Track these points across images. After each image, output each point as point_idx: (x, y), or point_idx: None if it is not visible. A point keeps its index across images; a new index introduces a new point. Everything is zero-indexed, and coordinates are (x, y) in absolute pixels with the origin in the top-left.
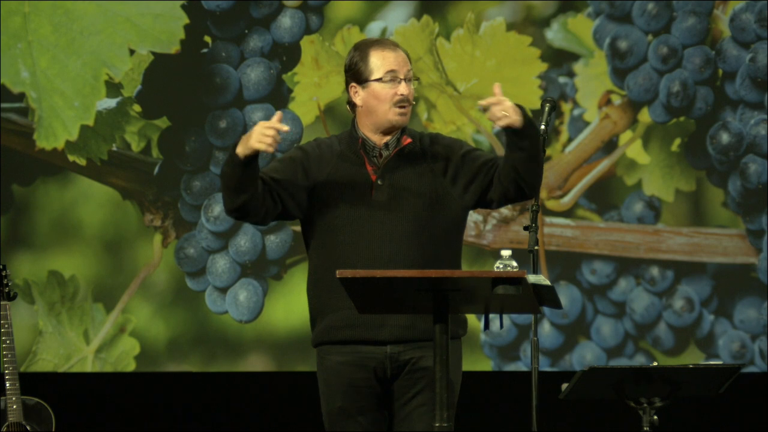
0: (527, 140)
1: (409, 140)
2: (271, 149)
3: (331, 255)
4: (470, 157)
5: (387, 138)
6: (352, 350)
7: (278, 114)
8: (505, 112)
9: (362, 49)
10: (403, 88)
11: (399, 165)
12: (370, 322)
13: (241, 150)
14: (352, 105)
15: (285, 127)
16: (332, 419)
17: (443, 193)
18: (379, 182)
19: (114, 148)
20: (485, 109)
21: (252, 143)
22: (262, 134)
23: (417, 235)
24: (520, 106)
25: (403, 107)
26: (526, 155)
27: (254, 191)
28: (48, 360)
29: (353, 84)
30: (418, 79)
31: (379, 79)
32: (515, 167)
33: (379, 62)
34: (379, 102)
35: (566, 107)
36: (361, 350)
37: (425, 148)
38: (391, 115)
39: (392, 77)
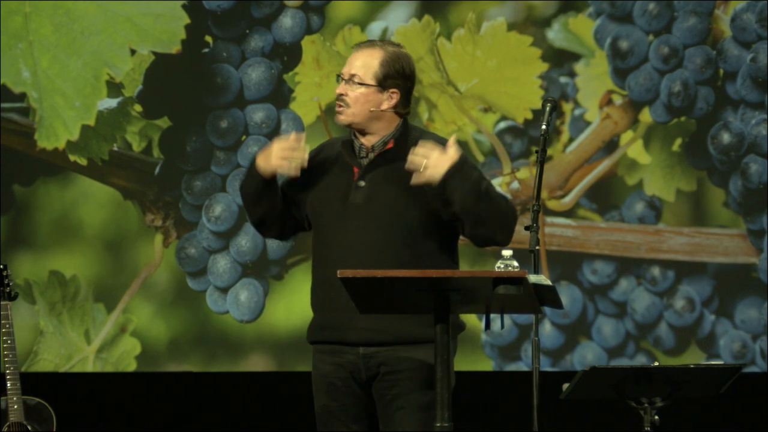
0: (456, 194)
1: (391, 144)
2: (293, 172)
3: (316, 255)
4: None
5: (374, 140)
6: (332, 350)
7: (293, 135)
8: (426, 163)
9: None
10: (339, 88)
11: (380, 168)
12: (341, 325)
13: (261, 166)
14: None
15: (306, 147)
16: (319, 418)
17: (422, 200)
18: (359, 184)
19: (115, 148)
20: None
21: (273, 163)
22: (280, 155)
23: (390, 238)
24: (461, 156)
25: (339, 106)
26: (471, 222)
27: (273, 205)
28: (49, 360)
29: None
30: (364, 84)
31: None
32: (467, 224)
33: None
34: None
35: (567, 107)
36: (337, 350)
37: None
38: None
39: (339, 78)
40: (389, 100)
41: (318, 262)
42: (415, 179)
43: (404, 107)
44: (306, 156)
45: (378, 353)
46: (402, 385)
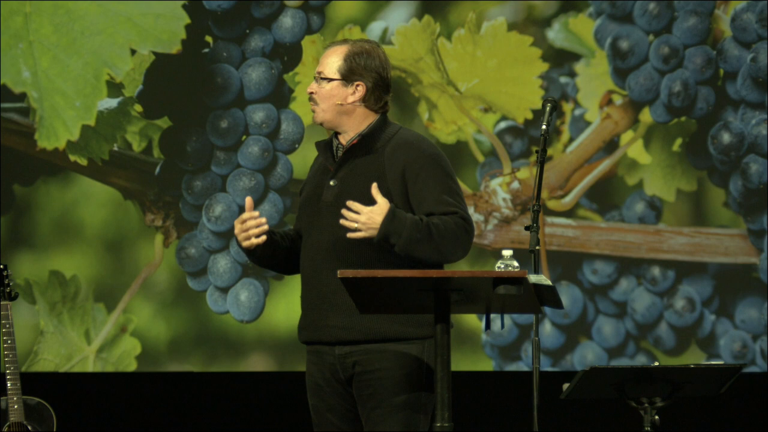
0: (398, 249)
1: (354, 141)
2: (259, 241)
3: (302, 256)
4: (417, 188)
5: (348, 137)
6: (314, 350)
7: (248, 200)
8: (358, 225)
9: None
10: (309, 87)
11: (347, 165)
12: (314, 324)
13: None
14: None
15: (256, 213)
16: (312, 418)
17: (388, 196)
18: (331, 183)
19: (115, 148)
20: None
21: (242, 242)
22: (241, 235)
23: (346, 237)
24: (389, 210)
25: (312, 106)
26: (401, 255)
27: (278, 261)
28: (49, 360)
29: None
30: (328, 79)
31: None
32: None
33: None
34: None
35: (567, 107)
36: (318, 350)
37: (385, 149)
38: None
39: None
40: (354, 93)
41: (300, 262)
42: (352, 235)
43: (375, 102)
44: (264, 220)
45: (352, 353)
46: (375, 384)
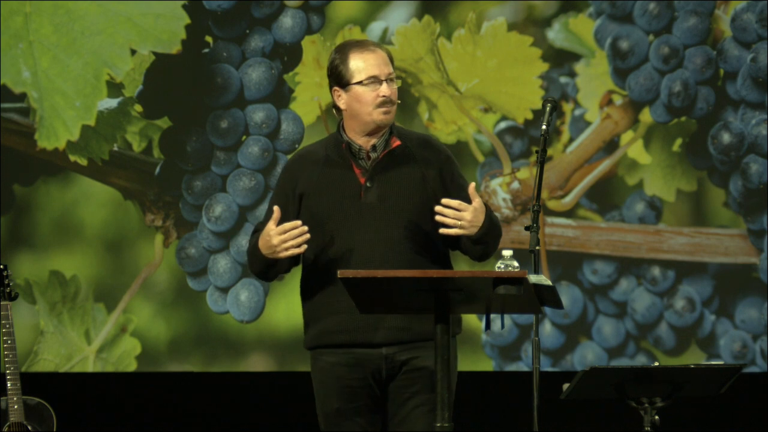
0: (481, 245)
1: (398, 142)
2: (300, 250)
3: (325, 259)
4: (457, 184)
5: (374, 140)
6: (347, 352)
7: (276, 210)
8: (462, 223)
9: (342, 51)
10: (384, 89)
11: (388, 167)
12: (365, 326)
13: (266, 252)
14: (338, 108)
15: (298, 222)
16: (329, 420)
17: (432, 196)
18: (368, 184)
19: (115, 148)
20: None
21: (280, 253)
22: (282, 245)
23: (408, 236)
24: (486, 208)
25: (386, 107)
26: (479, 252)
27: (282, 267)
28: (49, 360)
29: (336, 88)
30: (400, 78)
31: (359, 82)
32: (468, 253)
33: (359, 65)
34: (361, 105)
35: (567, 107)
36: (355, 352)
37: (414, 151)
38: (375, 115)
39: (373, 80)
40: None
41: (331, 265)
42: (446, 231)
43: None
44: (306, 228)
45: (400, 351)
46: (422, 382)
